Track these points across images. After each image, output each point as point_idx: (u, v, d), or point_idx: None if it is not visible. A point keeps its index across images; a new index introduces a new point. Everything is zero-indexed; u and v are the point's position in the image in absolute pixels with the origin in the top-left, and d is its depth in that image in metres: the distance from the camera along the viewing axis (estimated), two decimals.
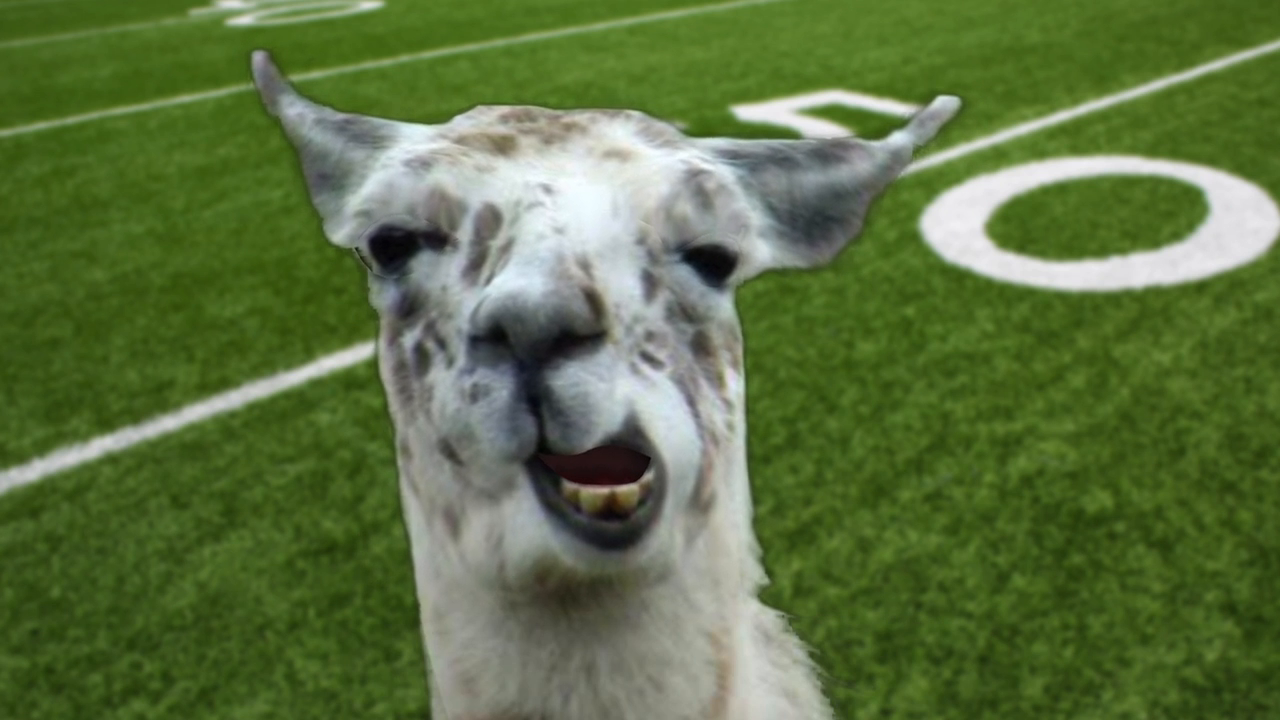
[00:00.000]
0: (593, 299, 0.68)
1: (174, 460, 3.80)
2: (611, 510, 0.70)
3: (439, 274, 0.77)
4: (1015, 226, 5.27)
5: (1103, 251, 4.92)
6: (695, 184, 0.80)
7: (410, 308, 0.78)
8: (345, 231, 0.83)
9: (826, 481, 3.39)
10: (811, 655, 1.03)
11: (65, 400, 4.28)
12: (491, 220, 0.75)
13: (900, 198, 5.68)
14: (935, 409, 3.75)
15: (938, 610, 2.82)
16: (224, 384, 4.32)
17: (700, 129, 7.43)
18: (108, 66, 11.35)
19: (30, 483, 3.73)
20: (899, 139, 0.95)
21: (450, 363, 0.73)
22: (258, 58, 1.00)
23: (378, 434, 3.83)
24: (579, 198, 0.75)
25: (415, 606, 0.89)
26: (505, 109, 0.87)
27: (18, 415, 4.20)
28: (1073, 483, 3.30)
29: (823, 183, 0.91)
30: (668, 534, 0.74)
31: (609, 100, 8.35)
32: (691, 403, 0.76)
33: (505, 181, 0.77)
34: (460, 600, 0.83)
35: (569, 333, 0.67)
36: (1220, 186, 5.54)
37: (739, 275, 0.83)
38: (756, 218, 0.86)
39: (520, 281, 0.67)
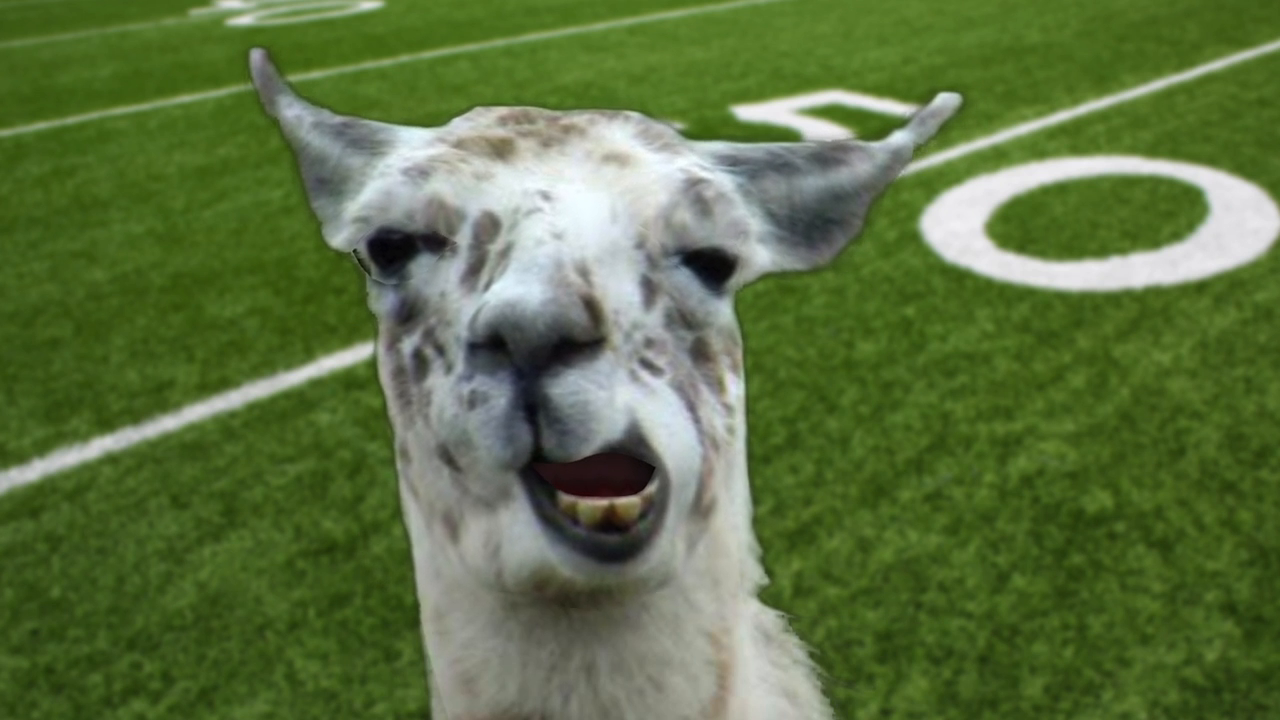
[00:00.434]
0: (591, 306, 0.67)
1: (174, 460, 3.80)
2: (610, 523, 0.69)
3: (438, 280, 0.77)
4: (1015, 226, 5.27)
5: (1103, 251, 4.92)
6: (694, 193, 0.79)
7: (409, 313, 0.78)
8: (343, 236, 0.83)
9: (826, 481, 3.39)
10: (811, 655, 1.03)
11: (65, 400, 4.28)
12: (490, 227, 0.75)
13: (900, 198, 5.69)
14: (935, 409, 3.75)
15: (938, 610, 2.82)
16: (224, 384, 4.32)
17: (700, 129, 7.43)
18: (108, 66, 11.35)
19: (30, 483, 3.73)
20: (899, 138, 0.94)
21: (449, 369, 0.73)
22: (255, 56, 0.99)
23: (378, 434, 3.83)
24: (578, 203, 0.75)
25: (415, 606, 0.89)
26: (503, 110, 0.87)
27: (18, 415, 4.20)
28: (1073, 483, 3.30)
29: (822, 186, 0.91)
30: (669, 544, 0.73)
31: (609, 100, 8.35)
32: (692, 409, 0.75)
33: (503, 189, 0.76)
34: (461, 600, 0.83)
35: (568, 340, 0.67)
36: (1220, 186, 5.54)
37: (738, 279, 0.83)
38: (756, 224, 0.86)
39: (519, 289, 0.67)
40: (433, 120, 0.93)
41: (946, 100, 0.96)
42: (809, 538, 3.13)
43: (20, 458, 3.89)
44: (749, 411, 0.87)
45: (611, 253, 0.74)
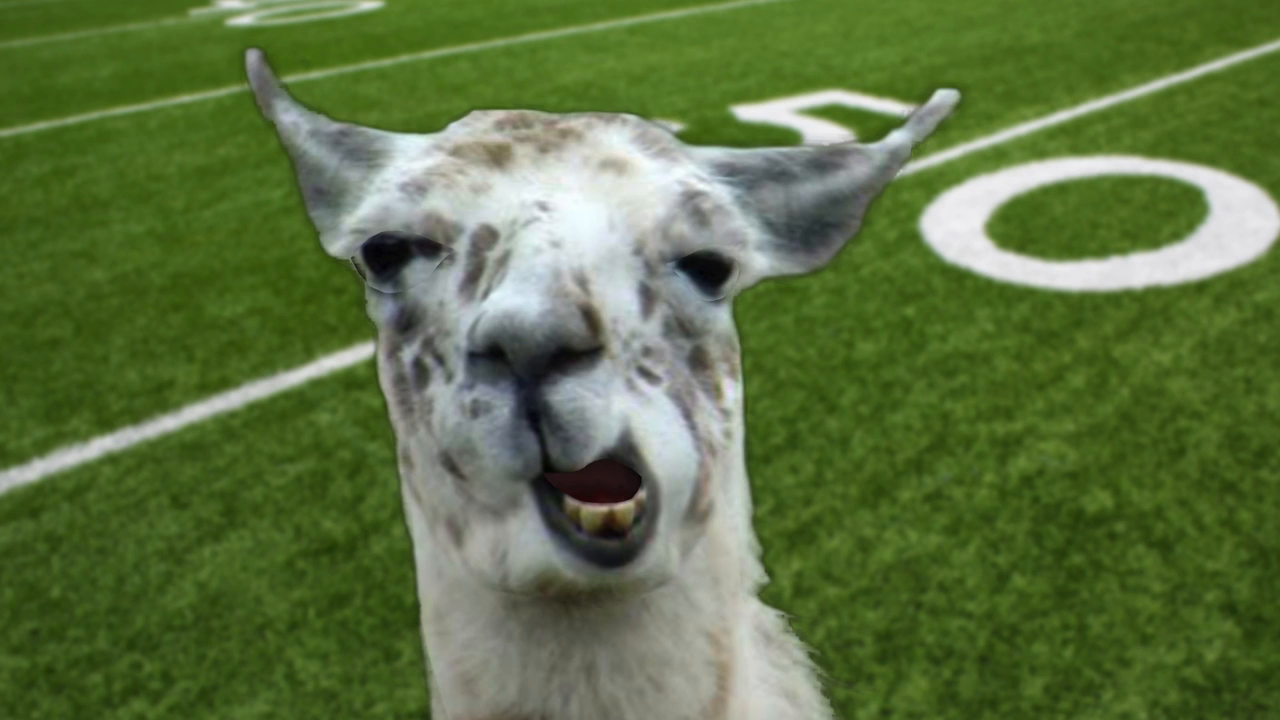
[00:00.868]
0: (589, 316, 0.68)
1: (174, 460, 3.80)
2: (610, 528, 0.70)
3: (436, 288, 0.77)
4: (1015, 226, 5.27)
5: (1103, 251, 4.92)
6: (692, 205, 0.80)
7: (408, 322, 0.78)
8: (341, 245, 0.84)
9: (826, 481, 3.39)
10: (811, 655, 1.03)
11: (65, 400, 4.28)
12: (488, 237, 0.75)
13: (900, 198, 5.69)
14: (935, 409, 3.75)
15: (938, 610, 2.82)
16: (224, 384, 4.32)
17: (700, 129, 7.43)
18: (108, 66, 11.36)
19: (30, 483, 3.73)
20: (896, 138, 0.94)
21: (449, 378, 0.73)
22: (252, 57, 0.98)
23: (378, 434, 3.83)
24: (575, 212, 0.75)
25: (415, 606, 0.89)
26: (501, 114, 0.87)
27: (18, 415, 4.20)
28: (1073, 483, 3.30)
29: (820, 192, 0.91)
30: (663, 549, 0.74)
31: (609, 100, 8.35)
32: (688, 416, 0.76)
33: (501, 202, 0.77)
34: (462, 600, 0.83)
35: (566, 349, 0.67)
36: (1220, 186, 5.54)
37: (736, 284, 0.83)
38: (754, 234, 0.86)
39: (517, 299, 0.67)
40: (432, 120, 0.93)
41: (944, 98, 0.96)
42: (809, 538, 3.13)
43: (20, 458, 3.89)
44: (748, 412, 0.87)
45: (609, 260, 0.74)
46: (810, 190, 0.90)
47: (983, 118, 6.98)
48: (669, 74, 9.21)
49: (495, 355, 0.68)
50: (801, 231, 0.90)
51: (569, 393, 0.68)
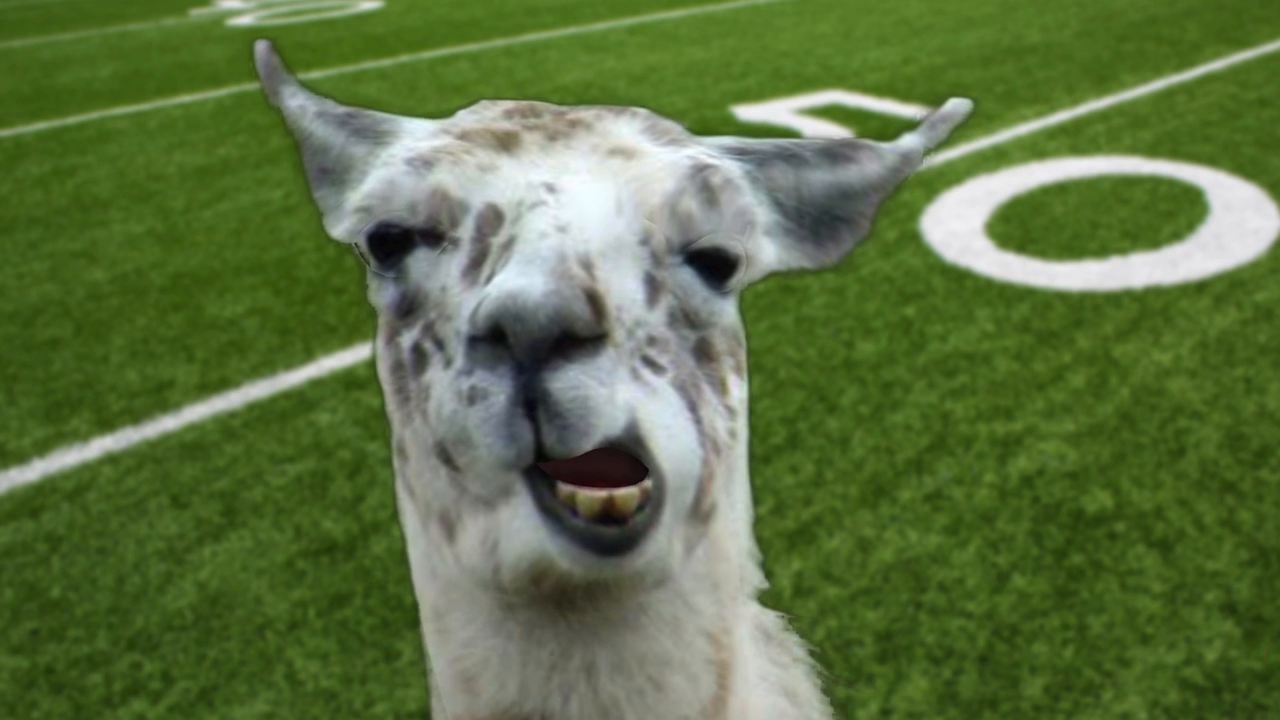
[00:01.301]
0: (594, 300, 0.67)
1: (174, 460, 3.80)
2: (609, 514, 0.68)
3: (439, 274, 0.76)
4: (1015, 226, 5.27)
5: (1103, 251, 4.92)
6: (701, 179, 0.79)
7: (409, 307, 0.78)
8: (344, 226, 0.83)
9: (826, 481, 3.39)
10: (811, 655, 1.02)
11: (65, 400, 4.28)
12: (494, 219, 0.74)
13: (900, 198, 5.68)
14: (935, 409, 3.75)
15: (938, 610, 2.82)
16: (224, 384, 4.32)
17: (700, 129, 7.35)
18: (108, 66, 11.35)
19: (30, 483, 3.73)
20: (909, 141, 0.94)
21: (448, 364, 0.72)
22: (260, 47, 0.99)
23: (378, 434, 3.83)
24: (582, 196, 0.74)
25: (415, 606, 0.89)
26: (509, 104, 0.86)
27: (18, 415, 4.20)
28: (1073, 483, 3.30)
29: (830, 182, 0.90)
30: (666, 541, 0.73)
31: (609, 100, 8.33)
32: (693, 409, 0.75)
33: (508, 181, 0.76)
34: (458, 600, 0.83)
35: (569, 334, 0.66)
36: (1220, 186, 5.54)
37: (743, 278, 0.82)
38: (763, 214, 0.85)
39: (521, 281, 0.66)
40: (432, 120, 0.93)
41: (957, 105, 0.96)
42: (809, 538, 3.13)
43: (20, 458, 3.89)
44: (749, 412, 0.86)
45: (616, 247, 0.73)
46: (821, 178, 0.90)
47: (983, 118, 6.98)
48: (669, 74, 9.22)
49: (496, 340, 0.67)
50: (811, 220, 0.89)
51: (572, 380, 0.67)
